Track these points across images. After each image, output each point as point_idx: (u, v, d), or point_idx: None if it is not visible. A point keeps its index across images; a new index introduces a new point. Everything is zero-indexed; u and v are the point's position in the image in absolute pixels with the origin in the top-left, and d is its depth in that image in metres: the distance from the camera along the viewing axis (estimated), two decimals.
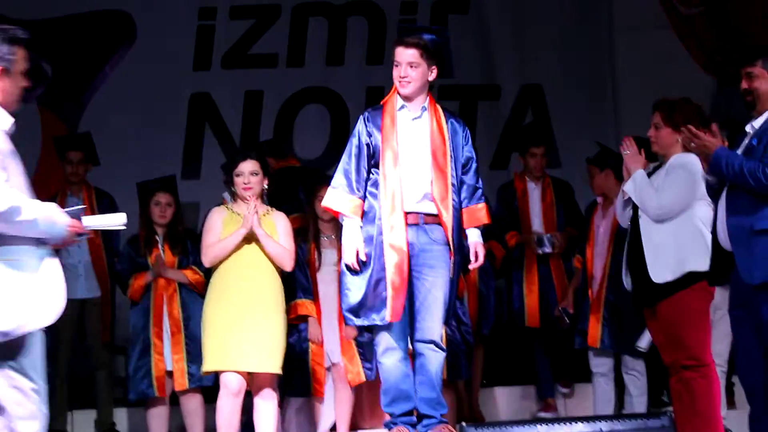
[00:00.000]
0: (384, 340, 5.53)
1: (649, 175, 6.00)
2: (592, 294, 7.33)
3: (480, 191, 5.70)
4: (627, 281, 5.99)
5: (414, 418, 5.55)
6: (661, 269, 5.78)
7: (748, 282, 5.17)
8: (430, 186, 5.51)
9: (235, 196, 6.35)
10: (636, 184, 5.86)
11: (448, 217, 5.51)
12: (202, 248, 6.27)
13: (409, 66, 5.49)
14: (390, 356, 5.51)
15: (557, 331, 7.75)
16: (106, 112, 8.98)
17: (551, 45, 9.44)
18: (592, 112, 9.40)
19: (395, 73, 5.52)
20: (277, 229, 6.22)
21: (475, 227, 5.67)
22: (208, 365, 6.16)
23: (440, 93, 8.79)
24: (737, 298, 5.36)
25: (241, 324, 6.07)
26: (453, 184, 5.55)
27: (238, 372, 6.09)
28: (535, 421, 4.64)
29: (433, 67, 5.56)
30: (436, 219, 5.53)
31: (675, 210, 5.78)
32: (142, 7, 9.14)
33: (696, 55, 9.43)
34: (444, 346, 5.59)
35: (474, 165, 5.68)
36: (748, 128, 5.37)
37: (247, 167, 6.23)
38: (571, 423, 4.57)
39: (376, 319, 5.44)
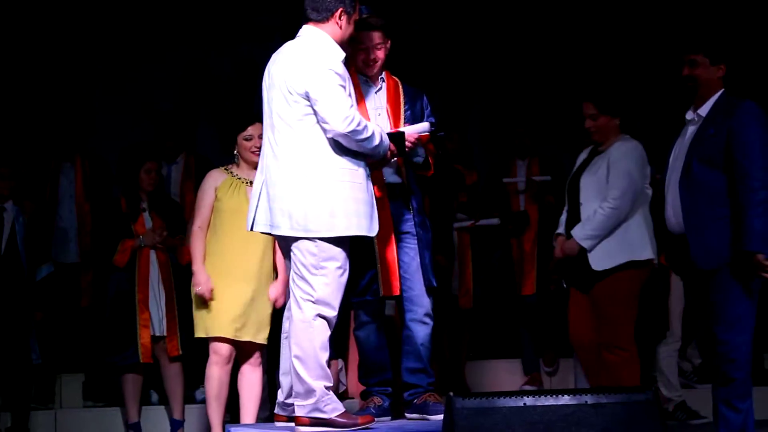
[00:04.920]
0: (360, 312, 5.57)
1: (587, 162, 6.08)
2: None
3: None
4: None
5: (389, 389, 5.57)
6: (603, 257, 5.93)
7: (700, 267, 5.25)
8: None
9: (237, 159, 6.24)
10: (591, 233, 5.94)
11: (408, 184, 5.53)
12: (195, 212, 6.21)
13: (376, 48, 5.49)
14: (365, 328, 5.53)
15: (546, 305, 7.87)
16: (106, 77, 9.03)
17: None
18: None
19: (361, 56, 5.47)
20: None
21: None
22: (203, 330, 6.11)
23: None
24: (690, 282, 5.43)
25: (238, 293, 6.04)
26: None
27: (230, 341, 6.09)
28: (522, 393, 4.67)
29: (388, 41, 5.57)
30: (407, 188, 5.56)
31: (629, 204, 5.93)
32: None
33: None
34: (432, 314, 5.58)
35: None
36: (689, 116, 5.45)
37: (257, 130, 6.03)
38: (556, 396, 4.60)
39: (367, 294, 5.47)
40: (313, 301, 4.96)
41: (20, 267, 7.20)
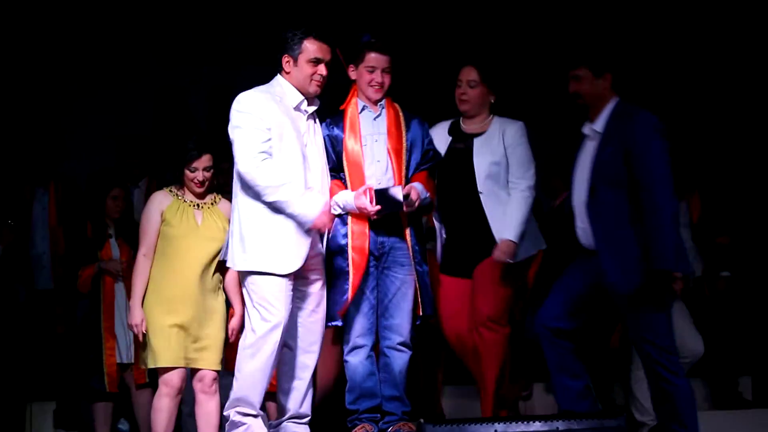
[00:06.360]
0: (350, 337, 5.58)
1: (468, 146, 5.92)
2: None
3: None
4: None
5: (378, 416, 5.61)
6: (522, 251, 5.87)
7: (620, 292, 5.19)
8: (394, 182, 5.56)
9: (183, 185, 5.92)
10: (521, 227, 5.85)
11: (410, 218, 5.58)
12: (140, 238, 5.89)
13: (384, 73, 5.56)
14: (356, 354, 5.57)
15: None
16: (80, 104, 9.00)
17: None
18: None
19: (368, 77, 5.56)
20: (228, 216, 5.76)
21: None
22: (152, 361, 5.79)
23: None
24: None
25: (190, 320, 5.76)
26: (409, 177, 5.61)
27: (181, 370, 5.82)
28: (493, 419, 4.67)
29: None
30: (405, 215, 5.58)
31: None
32: None
33: None
34: (411, 344, 5.65)
35: (433, 160, 5.74)
36: (585, 130, 5.41)
37: (203, 163, 5.81)
38: (528, 422, 4.61)
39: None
40: (250, 333, 5.33)
41: None
